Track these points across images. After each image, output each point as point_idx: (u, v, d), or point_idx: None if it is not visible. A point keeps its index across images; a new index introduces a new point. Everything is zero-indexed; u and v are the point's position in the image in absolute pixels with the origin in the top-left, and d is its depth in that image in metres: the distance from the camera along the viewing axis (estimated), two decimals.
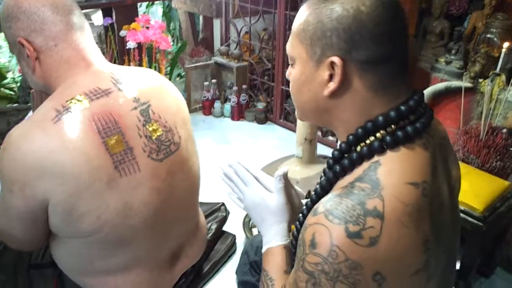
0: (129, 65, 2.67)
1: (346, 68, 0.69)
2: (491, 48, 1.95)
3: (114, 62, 2.80)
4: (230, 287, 1.41)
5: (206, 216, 1.70)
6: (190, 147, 1.26)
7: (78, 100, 1.05)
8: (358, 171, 0.70)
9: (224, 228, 1.71)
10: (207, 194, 1.75)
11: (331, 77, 0.70)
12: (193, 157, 1.27)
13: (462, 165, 1.58)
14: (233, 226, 1.75)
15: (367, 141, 0.71)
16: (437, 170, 0.72)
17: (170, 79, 3.01)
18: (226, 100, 2.97)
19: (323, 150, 2.46)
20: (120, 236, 1.11)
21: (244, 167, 1.00)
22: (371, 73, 0.69)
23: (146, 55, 2.69)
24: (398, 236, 0.63)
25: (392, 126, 0.71)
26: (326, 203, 0.66)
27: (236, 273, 1.28)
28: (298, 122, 2.09)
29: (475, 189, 1.43)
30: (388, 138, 0.70)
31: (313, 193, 0.81)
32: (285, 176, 0.95)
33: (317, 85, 0.72)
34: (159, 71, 2.76)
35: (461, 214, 1.41)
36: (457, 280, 1.52)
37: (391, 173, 0.67)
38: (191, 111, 2.98)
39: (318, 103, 0.74)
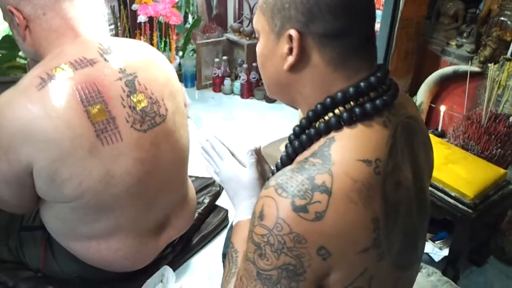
0: (140, 39, 2.69)
1: (304, 42, 0.68)
2: (504, 31, 1.88)
3: (126, 37, 2.83)
4: (218, 259, 1.44)
5: (200, 190, 1.72)
6: (178, 120, 1.27)
7: (63, 69, 1.07)
8: (314, 147, 0.70)
9: (217, 203, 1.74)
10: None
11: (290, 50, 0.69)
12: (180, 130, 1.28)
13: (459, 151, 1.56)
14: (226, 201, 1.76)
15: (326, 117, 0.71)
16: (396, 148, 0.71)
17: (183, 54, 3.02)
18: (236, 77, 2.97)
19: None
20: (102, 203, 1.14)
21: (220, 141, 1.01)
22: (329, 47, 0.68)
23: (157, 29, 2.71)
24: (345, 212, 0.63)
25: (351, 102, 0.70)
26: (278, 177, 0.66)
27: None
28: None
29: (468, 176, 1.40)
30: (345, 114, 0.69)
31: (274, 168, 0.82)
32: (257, 151, 0.95)
33: (278, 59, 0.72)
34: (170, 46, 2.78)
35: (451, 200, 1.39)
36: (445, 266, 1.50)
37: (343, 149, 0.67)
38: (201, 87, 3.01)
39: (280, 78, 0.74)
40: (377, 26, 1.92)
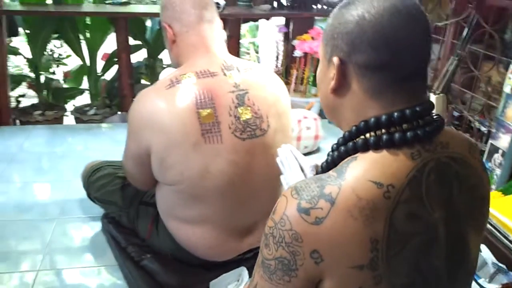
0: (293, 72, 2.93)
1: (346, 70, 0.75)
2: None
3: (282, 68, 3.11)
4: None
5: None
6: (279, 138, 1.41)
7: (189, 76, 1.31)
8: (341, 163, 0.76)
9: None
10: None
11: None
12: (278, 147, 1.41)
13: None
14: None
15: (357, 139, 0.76)
16: (419, 182, 0.71)
17: None
18: None
19: None
20: (197, 193, 1.33)
21: (293, 155, 1.10)
22: (367, 77, 0.73)
23: (310, 64, 2.91)
24: (343, 225, 0.67)
25: (383, 130, 0.74)
26: (299, 182, 0.74)
27: None
28: None
29: None
30: (372, 139, 0.73)
31: None
32: (317, 168, 1.02)
33: (327, 83, 0.80)
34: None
35: None
36: None
37: (359, 168, 0.71)
38: None
39: (329, 100, 0.82)
40: None
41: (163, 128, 1.27)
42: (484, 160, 2.02)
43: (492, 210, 1.45)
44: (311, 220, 0.68)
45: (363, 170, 0.71)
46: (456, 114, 2.52)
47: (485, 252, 1.50)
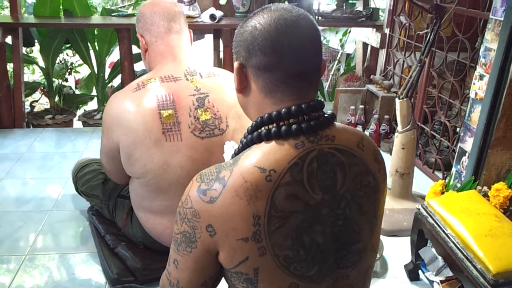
0: None
1: (247, 72, 0.88)
2: None
3: None
4: None
5: None
6: (238, 137, 1.54)
7: (154, 81, 1.47)
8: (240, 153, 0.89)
9: None
10: None
11: None
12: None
13: (509, 226, 1.41)
14: None
15: (254, 133, 0.89)
16: (300, 168, 0.82)
17: (332, 96, 3.27)
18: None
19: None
20: (159, 184, 1.48)
21: (233, 149, 1.23)
22: (261, 77, 0.86)
23: None
24: (231, 202, 0.80)
25: (274, 124, 0.87)
26: (206, 169, 0.88)
27: None
28: (393, 153, 2.10)
29: (502, 252, 1.28)
30: (264, 132, 0.86)
31: None
32: None
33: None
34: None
35: (475, 273, 1.29)
36: None
37: (249, 156, 0.84)
38: None
39: (239, 99, 0.95)
40: (481, 88, 1.83)
41: (129, 126, 1.43)
42: (453, 163, 2.10)
43: (440, 208, 1.54)
44: (206, 199, 0.81)
45: (252, 158, 0.83)
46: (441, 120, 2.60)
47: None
